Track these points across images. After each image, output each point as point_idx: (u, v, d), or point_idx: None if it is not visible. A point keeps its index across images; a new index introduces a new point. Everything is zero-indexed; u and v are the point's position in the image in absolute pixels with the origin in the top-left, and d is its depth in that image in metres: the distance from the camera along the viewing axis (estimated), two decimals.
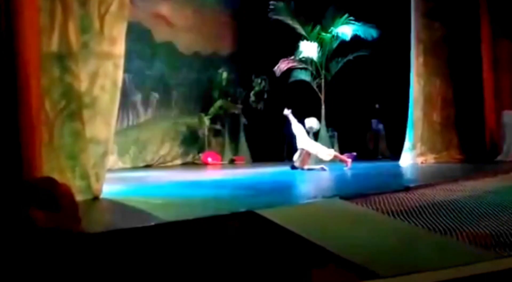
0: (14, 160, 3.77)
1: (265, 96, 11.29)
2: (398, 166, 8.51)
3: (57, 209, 3.23)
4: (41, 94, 4.13)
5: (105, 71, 4.80)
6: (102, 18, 4.76)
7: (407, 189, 4.83)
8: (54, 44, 4.46)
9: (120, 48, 4.92)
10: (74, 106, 4.60)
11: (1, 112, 3.75)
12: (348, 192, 4.63)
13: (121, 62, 4.95)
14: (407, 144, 8.92)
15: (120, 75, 4.95)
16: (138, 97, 10.21)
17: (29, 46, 3.87)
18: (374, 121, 10.72)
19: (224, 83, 11.35)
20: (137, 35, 9.25)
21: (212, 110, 11.20)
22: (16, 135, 3.81)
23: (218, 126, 11.50)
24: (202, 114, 11.18)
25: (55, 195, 3.33)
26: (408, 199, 4.57)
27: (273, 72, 10.39)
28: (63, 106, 4.54)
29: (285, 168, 7.76)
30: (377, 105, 10.65)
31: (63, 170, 4.47)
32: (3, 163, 3.73)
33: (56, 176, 3.77)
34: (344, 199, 4.19)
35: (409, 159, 8.77)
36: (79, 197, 3.84)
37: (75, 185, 4.41)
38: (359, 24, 9.73)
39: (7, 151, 3.76)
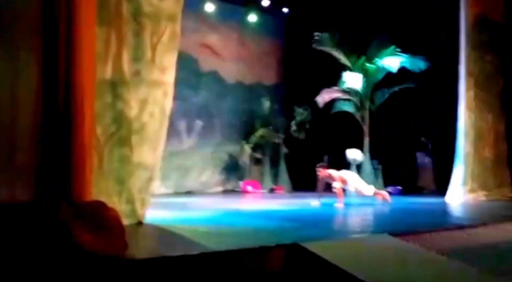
0: (65, 182, 3.85)
1: (307, 126, 11.23)
2: (447, 203, 8.18)
3: (105, 233, 3.26)
4: (93, 119, 4.24)
5: (154, 99, 4.91)
6: (154, 48, 4.90)
7: (460, 227, 4.63)
8: (108, 72, 4.62)
9: (170, 77, 5.04)
10: (124, 132, 4.71)
11: (56, 135, 3.86)
12: (397, 228, 4.47)
13: (171, 90, 5.06)
14: (456, 180, 8.57)
15: (169, 103, 5.05)
16: (182, 124, 10.40)
17: (85, 73, 4.00)
18: (419, 154, 10.42)
19: (266, 112, 11.40)
20: (185, 63, 9.46)
21: (253, 138, 11.24)
22: (68, 158, 3.90)
23: (259, 155, 11.50)
24: (244, 142, 11.23)
25: (104, 219, 3.36)
26: (461, 238, 4.38)
27: (316, 103, 10.34)
28: (113, 131, 4.66)
29: (327, 199, 7.59)
30: (423, 139, 10.38)
31: (111, 193, 4.54)
32: (55, 185, 3.82)
33: (103, 200, 3.82)
34: (393, 235, 4.04)
35: (458, 195, 8.42)
36: (124, 221, 3.86)
37: (121, 209, 4.46)
38: (406, 56, 9.59)
39: (59, 174, 3.85)
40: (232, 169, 11.27)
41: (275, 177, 11.45)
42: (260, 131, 11.27)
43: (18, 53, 3.88)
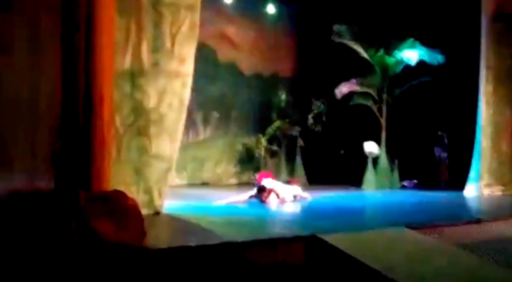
0: (84, 172, 3.90)
1: (324, 119, 11.18)
2: (463, 197, 8.12)
3: (124, 222, 3.29)
4: (112, 110, 4.28)
5: (173, 89, 4.93)
6: (173, 38, 4.90)
7: (478, 221, 4.59)
8: (127, 62, 4.64)
9: (188, 68, 5.04)
10: (142, 122, 4.74)
11: (76, 125, 3.91)
12: (415, 221, 4.44)
13: (189, 81, 5.06)
14: (472, 174, 8.49)
15: (187, 94, 5.06)
16: (198, 116, 10.41)
17: (105, 63, 4.03)
18: (436, 149, 10.30)
19: (283, 104, 11.36)
20: (202, 54, 9.44)
21: (269, 131, 11.20)
22: (87, 148, 3.95)
23: (275, 147, 11.47)
24: (260, 135, 11.21)
25: (123, 208, 3.40)
26: (479, 232, 4.34)
27: (333, 95, 10.26)
28: (131, 122, 4.70)
29: (343, 192, 7.58)
30: (439, 133, 10.25)
31: (129, 183, 4.58)
32: (74, 175, 3.87)
33: (121, 189, 3.86)
34: (411, 228, 4.02)
35: (474, 190, 8.34)
36: (142, 211, 3.90)
37: (139, 199, 4.48)
38: (425, 48, 9.45)
39: (78, 163, 3.90)
40: (248, 161, 11.26)
41: (291, 170, 11.42)
42: (276, 124, 11.22)
43: (38, 44, 3.93)
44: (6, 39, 3.82)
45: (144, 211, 4.42)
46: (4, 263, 2.84)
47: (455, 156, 9.79)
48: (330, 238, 3.47)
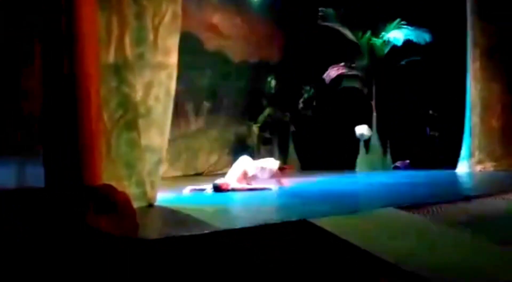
0: (75, 167, 3.91)
1: (314, 103, 11.21)
2: (455, 174, 8.20)
3: (116, 215, 3.32)
4: (100, 105, 4.28)
5: (159, 82, 4.93)
6: (156, 30, 4.89)
7: (467, 198, 4.64)
8: (111, 56, 4.63)
9: (173, 59, 5.04)
10: (130, 116, 4.74)
11: (64, 122, 3.91)
12: (403, 201, 4.49)
13: (175, 72, 5.06)
14: (463, 152, 8.59)
15: (173, 85, 5.06)
16: (189, 106, 10.38)
17: (88, 58, 4.01)
18: (429, 128, 10.38)
19: (272, 91, 11.37)
20: (189, 44, 9.38)
21: (261, 118, 11.23)
22: (76, 144, 3.95)
23: (267, 135, 11.50)
24: (251, 123, 11.23)
25: (114, 202, 3.43)
26: (468, 209, 4.40)
27: (322, 80, 10.30)
28: (120, 116, 4.70)
29: (335, 176, 7.64)
30: (431, 112, 10.32)
31: (120, 177, 4.60)
32: (65, 171, 3.88)
33: (113, 184, 3.88)
34: (401, 208, 4.07)
35: (466, 167, 8.44)
36: (134, 204, 3.93)
37: (131, 192, 4.51)
38: (412, 28, 9.48)
39: (68, 159, 3.91)
40: (241, 149, 11.24)
41: (285, 156, 11.46)
42: (267, 111, 11.25)
43: (19, 44, 3.91)
44: None
45: (137, 204, 4.46)
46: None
47: (447, 134, 9.88)
48: (320, 222, 3.52)
